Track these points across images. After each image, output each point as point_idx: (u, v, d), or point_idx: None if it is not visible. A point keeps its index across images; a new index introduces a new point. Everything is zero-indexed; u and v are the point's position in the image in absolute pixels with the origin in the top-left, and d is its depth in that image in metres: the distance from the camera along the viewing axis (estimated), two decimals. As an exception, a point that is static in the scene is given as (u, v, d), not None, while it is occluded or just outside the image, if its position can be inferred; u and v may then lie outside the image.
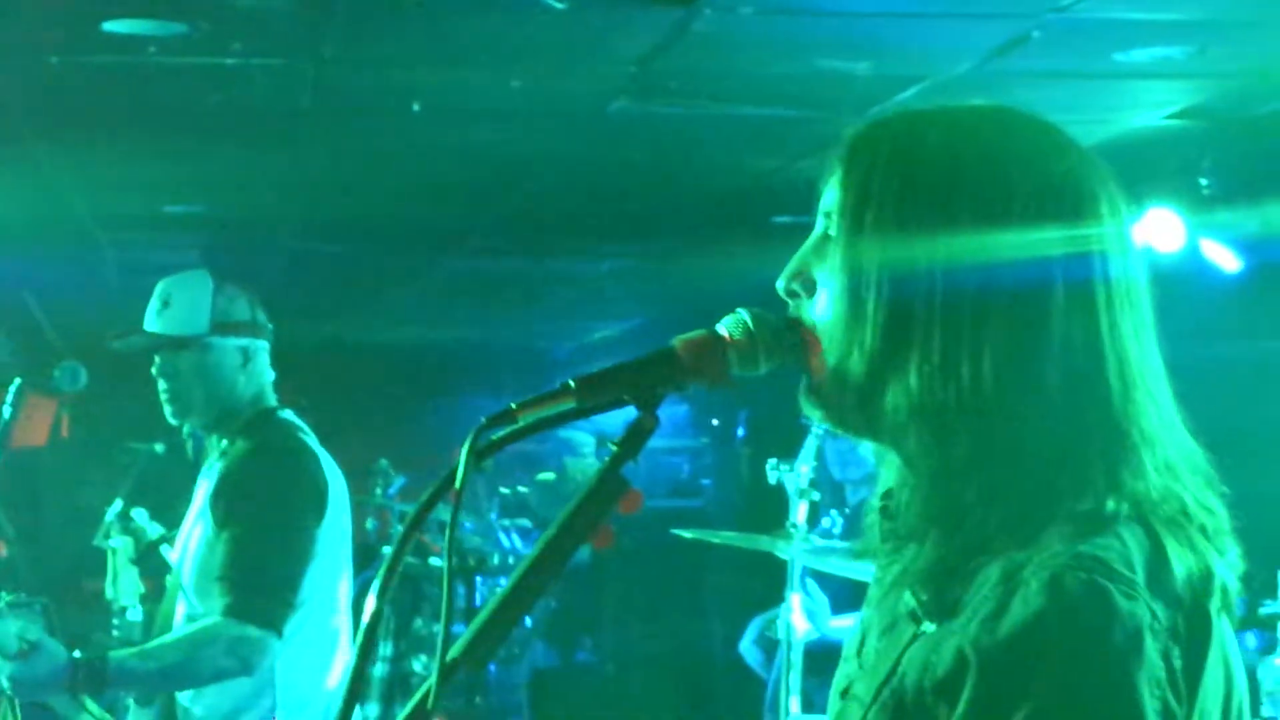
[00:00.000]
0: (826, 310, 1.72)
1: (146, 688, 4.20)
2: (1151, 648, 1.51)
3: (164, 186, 7.52)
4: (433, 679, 1.63)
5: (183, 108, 5.89)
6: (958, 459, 1.62)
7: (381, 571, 1.72)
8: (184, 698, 4.23)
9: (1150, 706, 1.50)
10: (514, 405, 1.71)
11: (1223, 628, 1.60)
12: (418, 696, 1.64)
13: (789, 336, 1.76)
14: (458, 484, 1.67)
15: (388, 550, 1.70)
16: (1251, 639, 4.84)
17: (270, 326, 4.47)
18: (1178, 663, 1.53)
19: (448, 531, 1.70)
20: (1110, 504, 1.59)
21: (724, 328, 1.77)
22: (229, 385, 4.34)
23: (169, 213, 8.13)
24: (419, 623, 9.17)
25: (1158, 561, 1.57)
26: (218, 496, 4.22)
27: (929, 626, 1.60)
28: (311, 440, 4.40)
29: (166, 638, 4.17)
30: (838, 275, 1.70)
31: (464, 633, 1.68)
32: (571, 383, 1.73)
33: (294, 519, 4.21)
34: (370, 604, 1.69)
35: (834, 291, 1.70)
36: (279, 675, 4.16)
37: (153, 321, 4.38)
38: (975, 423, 1.62)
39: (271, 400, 4.41)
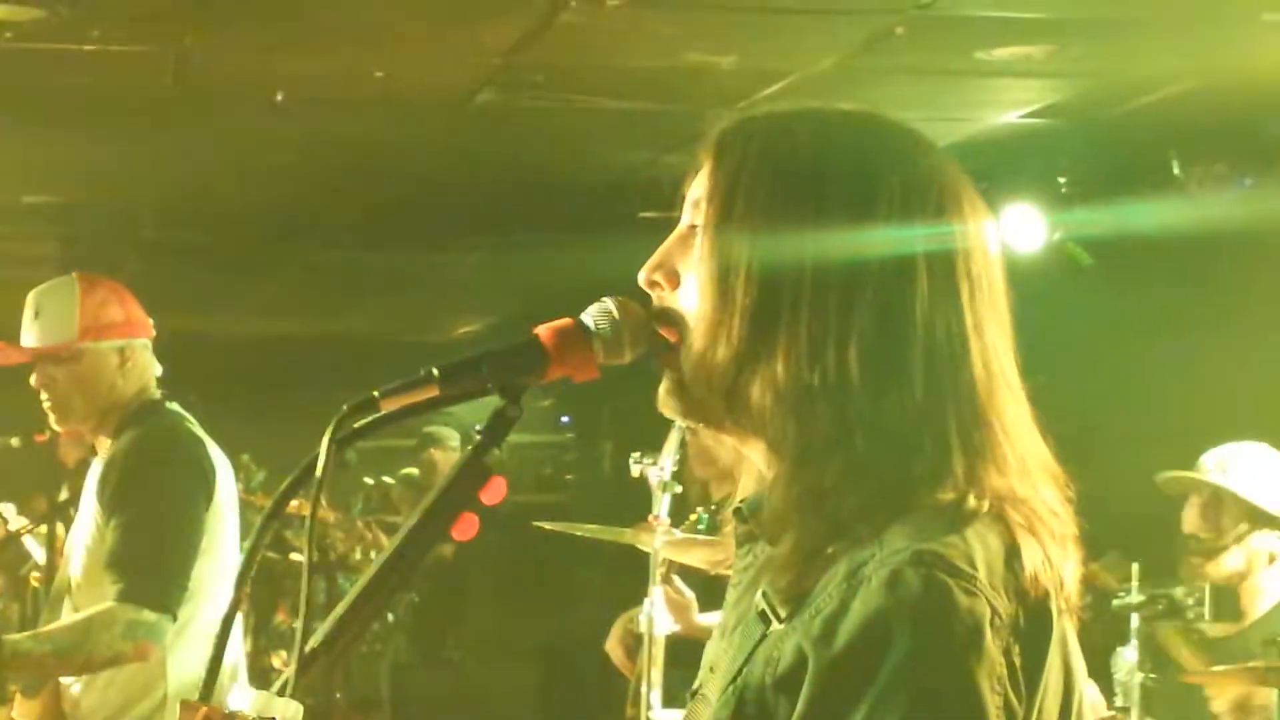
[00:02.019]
0: (692, 299, 1.72)
1: (41, 671, 4.19)
2: (992, 644, 1.52)
3: (21, 176, 7.39)
4: (291, 669, 1.62)
5: (40, 95, 5.79)
6: (819, 442, 1.62)
7: (241, 561, 1.71)
8: (74, 689, 4.20)
9: (990, 702, 1.50)
10: (376, 393, 1.71)
11: (1064, 627, 1.61)
12: (275, 687, 1.62)
13: (653, 325, 1.76)
14: (319, 472, 1.66)
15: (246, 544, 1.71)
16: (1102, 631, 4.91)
17: (149, 323, 4.44)
18: (1018, 660, 1.54)
19: (309, 520, 1.68)
20: (972, 499, 1.59)
21: (589, 317, 1.76)
22: (107, 387, 4.33)
23: (26, 203, 7.99)
24: (278, 618, 9.09)
25: (1006, 558, 1.57)
26: (104, 484, 4.21)
27: (777, 626, 1.59)
28: (198, 429, 4.39)
29: (61, 622, 4.18)
30: (705, 263, 1.70)
31: (324, 623, 1.67)
32: (435, 371, 1.72)
33: (182, 503, 4.21)
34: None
35: (701, 279, 1.70)
36: (171, 665, 4.15)
37: (25, 333, 4.38)
38: (838, 407, 1.62)
39: (155, 393, 4.39)
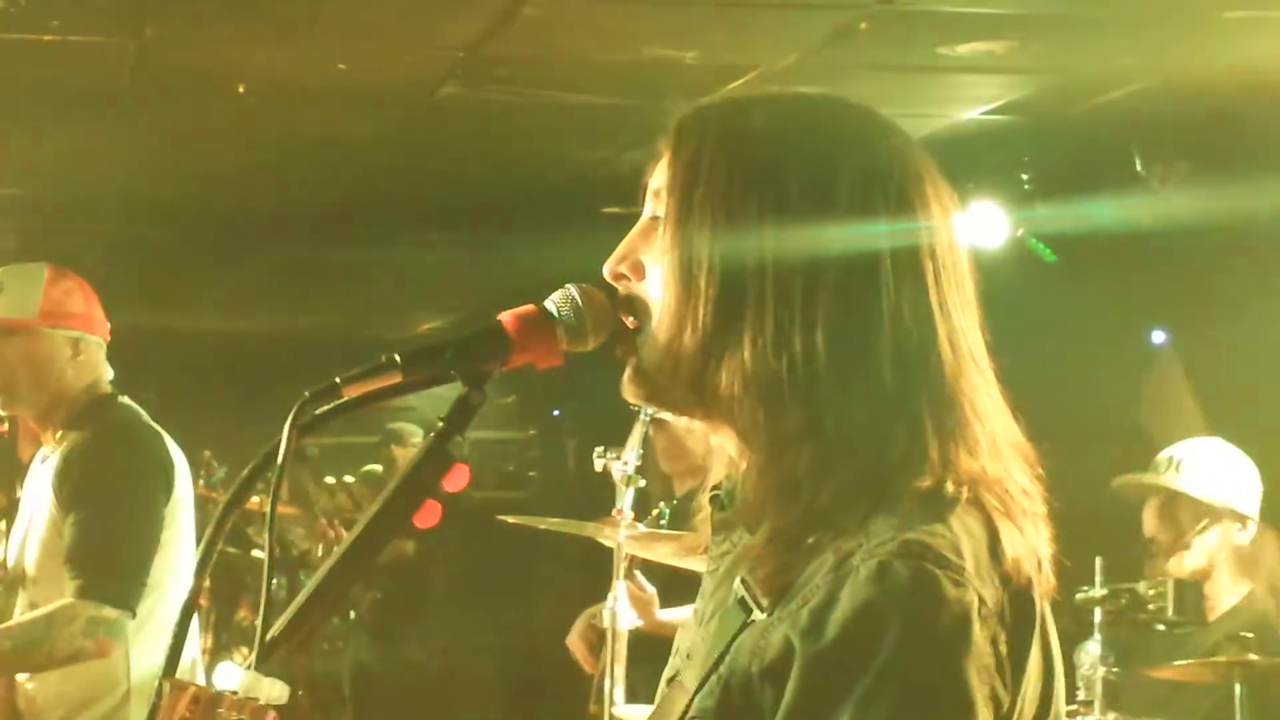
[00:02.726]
0: (657, 289, 1.72)
1: (2, 668, 4.16)
2: (979, 634, 1.52)
3: (-22, 168, 7.35)
4: (252, 657, 1.62)
5: (-2, 86, 5.76)
6: (790, 430, 1.62)
7: (201, 551, 1.70)
8: (29, 685, 4.18)
9: (979, 693, 1.51)
10: (338, 379, 1.70)
11: (1045, 611, 1.62)
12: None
13: (617, 312, 1.75)
14: (280, 458, 1.65)
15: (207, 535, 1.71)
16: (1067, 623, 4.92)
17: (107, 325, 4.44)
18: (1003, 649, 1.54)
19: (269, 505, 1.67)
20: (950, 486, 1.59)
21: (552, 303, 1.76)
22: (58, 375, 4.32)
23: (-17, 195, 7.94)
24: (240, 615, 9.06)
25: (989, 546, 1.57)
26: (62, 480, 4.19)
27: (759, 615, 1.59)
28: (153, 423, 4.39)
29: (21, 618, 4.16)
30: (668, 253, 1.69)
31: (285, 612, 1.66)
32: (397, 357, 1.72)
33: (142, 498, 4.20)
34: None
35: (665, 271, 1.70)
36: (133, 660, 4.13)
37: None
38: (807, 394, 1.62)
39: (107, 389, 4.39)
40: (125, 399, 4.41)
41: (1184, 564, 4.85)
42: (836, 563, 1.55)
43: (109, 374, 4.42)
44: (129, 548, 4.12)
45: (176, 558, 4.22)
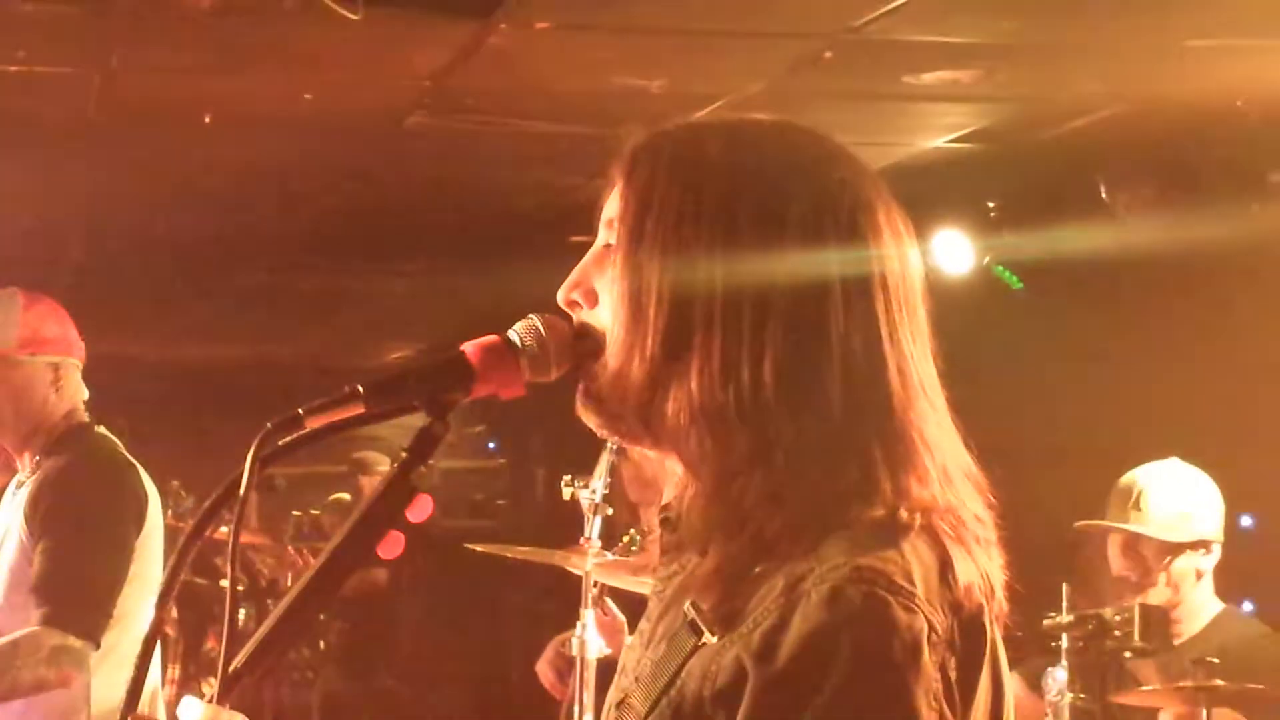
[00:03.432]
0: (608, 317, 1.72)
1: None
2: (929, 661, 1.52)
3: (-56, 198, 7.32)
4: (215, 690, 1.62)
5: (-36, 116, 5.74)
6: (739, 461, 1.62)
7: (163, 582, 1.70)
8: None
9: (927, 718, 1.51)
10: (301, 410, 1.69)
11: (995, 637, 1.62)
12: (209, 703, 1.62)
13: (579, 342, 1.75)
14: (242, 489, 1.65)
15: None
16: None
17: (83, 346, 4.43)
18: (953, 674, 1.55)
19: (232, 537, 1.67)
20: (903, 513, 1.59)
21: (515, 333, 1.76)
22: (40, 402, 4.32)
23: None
24: (208, 645, 9.02)
25: (941, 572, 1.57)
26: (35, 507, 4.19)
27: (710, 638, 1.58)
28: (127, 455, 4.38)
29: None
30: (618, 282, 1.70)
31: (248, 643, 1.66)
32: (360, 387, 1.71)
33: (114, 530, 4.20)
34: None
35: (615, 300, 1.70)
36: (94, 690, 4.12)
37: None
38: (755, 424, 1.61)
39: (84, 416, 4.38)
40: (103, 429, 4.41)
41: (1150, 598, 4.86)
42: (788, 585, 1.55)
43: (84, 397, 4.41)
44: (97, 578, 4.11)
45: (144, 591, 4.21)
